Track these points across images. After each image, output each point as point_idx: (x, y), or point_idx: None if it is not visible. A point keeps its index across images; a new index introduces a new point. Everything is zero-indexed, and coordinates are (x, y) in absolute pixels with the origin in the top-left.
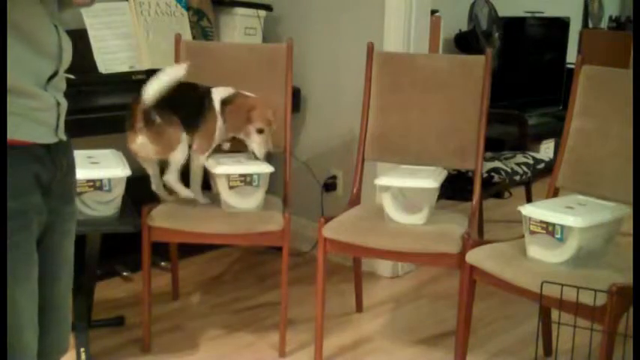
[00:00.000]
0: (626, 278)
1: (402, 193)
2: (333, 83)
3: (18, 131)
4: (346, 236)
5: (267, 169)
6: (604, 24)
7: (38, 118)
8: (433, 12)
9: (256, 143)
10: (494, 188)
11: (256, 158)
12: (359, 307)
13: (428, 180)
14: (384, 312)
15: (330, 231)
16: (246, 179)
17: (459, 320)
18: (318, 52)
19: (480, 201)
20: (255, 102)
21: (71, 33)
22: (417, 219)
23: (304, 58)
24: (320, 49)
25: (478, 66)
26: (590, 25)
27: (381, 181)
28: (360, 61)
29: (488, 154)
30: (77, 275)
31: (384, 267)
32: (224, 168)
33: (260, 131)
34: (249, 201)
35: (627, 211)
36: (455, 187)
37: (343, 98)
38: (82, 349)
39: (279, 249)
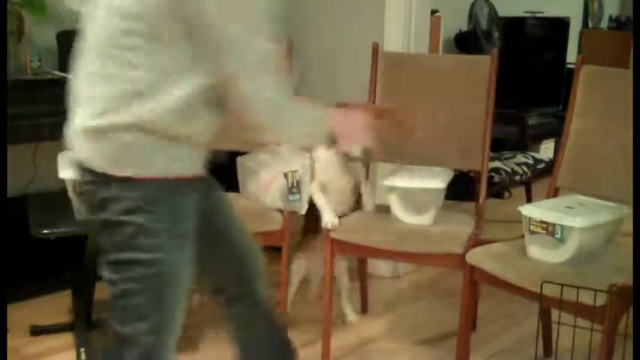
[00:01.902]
0: (626, 278)
1: (409, 193)
2: (333, 83)
3: (191, 169)
4: (353, 237)
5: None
6: (604, 24)
7: (201, 157)
8: (433, 12)
9: None
10: (494, 188)
11: None
12: (364, 308)
13: (436, 180)
14: (385, 312)
15: (337, 232)
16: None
17: (461, 321)
18: (318, 52)
19: None
20: None
21: (71, 33)
22: (425, 219)
23: (304, 58)
24: (320, 49)
25: (484, 66)
26: (590, 25)
27: (389, 181)
28: (360, 61)
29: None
30: (77, 275)
31: (384, 267)
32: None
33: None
34: (272, 200)
35: (627, 211)
36: (456, 187)
37: (343, 98)
38: (82, 349)
39: (279, 249)
